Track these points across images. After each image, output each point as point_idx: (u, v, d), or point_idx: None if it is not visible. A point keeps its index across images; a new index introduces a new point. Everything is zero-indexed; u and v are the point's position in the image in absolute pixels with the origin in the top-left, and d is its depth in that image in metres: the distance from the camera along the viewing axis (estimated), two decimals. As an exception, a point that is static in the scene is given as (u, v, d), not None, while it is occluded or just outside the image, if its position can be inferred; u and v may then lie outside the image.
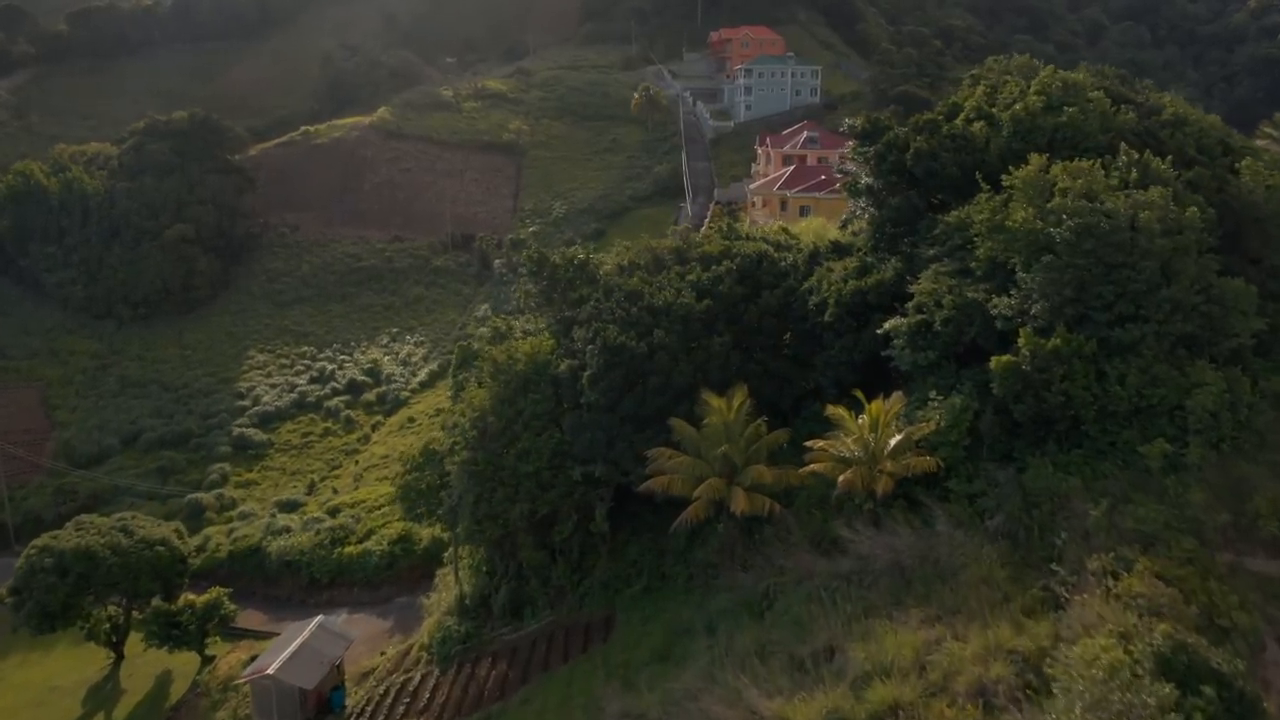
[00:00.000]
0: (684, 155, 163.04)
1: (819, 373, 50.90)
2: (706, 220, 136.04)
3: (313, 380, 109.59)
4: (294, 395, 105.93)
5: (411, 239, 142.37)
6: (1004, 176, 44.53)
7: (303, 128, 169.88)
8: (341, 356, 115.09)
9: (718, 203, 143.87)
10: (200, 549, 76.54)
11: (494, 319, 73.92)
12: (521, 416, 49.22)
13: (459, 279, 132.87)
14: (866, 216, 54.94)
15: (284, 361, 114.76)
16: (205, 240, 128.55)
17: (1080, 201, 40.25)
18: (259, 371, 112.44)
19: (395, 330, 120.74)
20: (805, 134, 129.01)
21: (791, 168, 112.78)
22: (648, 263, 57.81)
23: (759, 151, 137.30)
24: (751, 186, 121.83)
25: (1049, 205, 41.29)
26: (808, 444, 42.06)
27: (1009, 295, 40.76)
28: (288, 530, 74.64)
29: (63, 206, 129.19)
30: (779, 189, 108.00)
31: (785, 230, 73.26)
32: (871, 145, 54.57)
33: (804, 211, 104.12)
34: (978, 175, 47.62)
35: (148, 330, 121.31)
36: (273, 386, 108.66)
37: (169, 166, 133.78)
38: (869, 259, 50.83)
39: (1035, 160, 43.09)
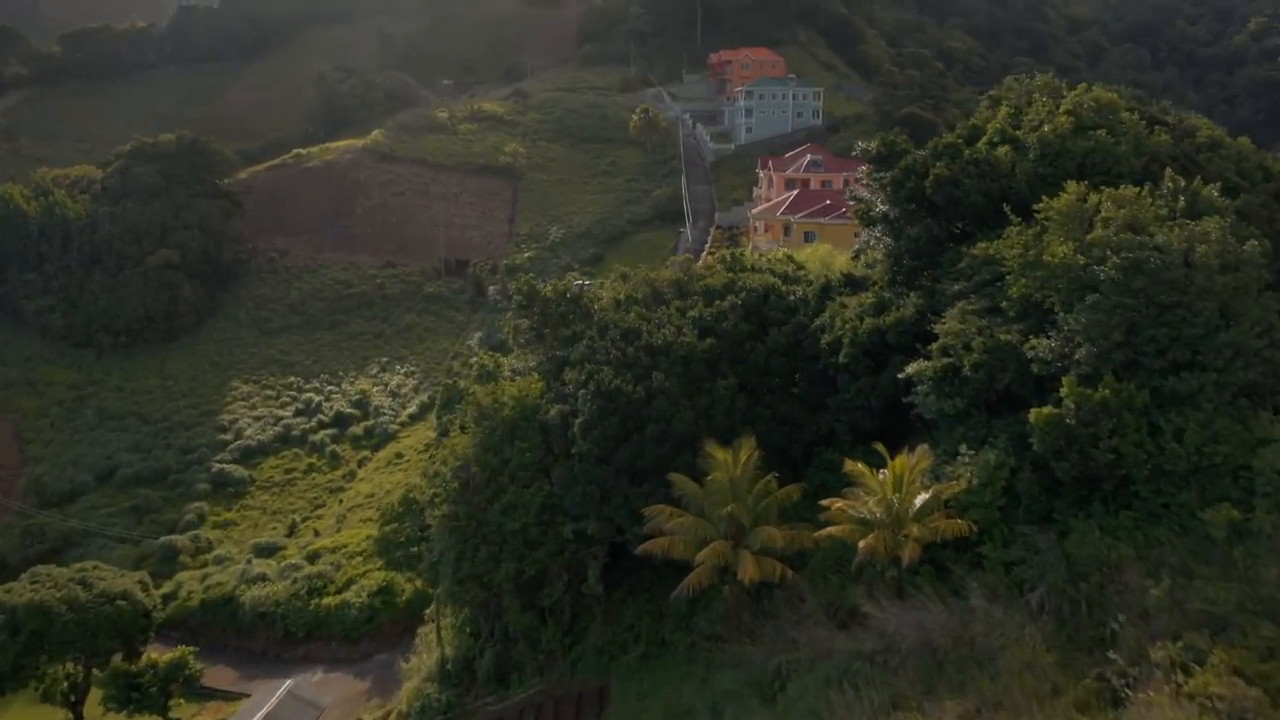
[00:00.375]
0: (684, 178, 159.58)
1: (832, 417, 46.76)
2: (707, 245, 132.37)
3: (298, 412, 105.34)
4: (278, 428, 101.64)
5: (404, 264, 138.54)
6: (1037, 205, 40.51)
7: (294, 150, 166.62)
8: (329, 387, 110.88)
9: (718, 227, 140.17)
10: (171, 596, 72.05)
11: (481, 355, 69.95)
12: (508, 467, 44.95)
13: (452, 306, 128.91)
14: (882, 247, 50.86)
15: (269, 392, 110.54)
16: (190, 266, 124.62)
17: (1126, 234, 36.18)
18: (243, 403, 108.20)
19: (385, 359, 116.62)
20: (808, 157, 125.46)
21: (795, 192, 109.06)
22: (645, 296, 53.67)
23: (761, 175, 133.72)
24: (753, 211, 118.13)
25: (1089, 238, 37.27)
26: (823, 503, 37.79)
27: (1048, 338, 36.60)
28: (263, 578, 70.14)
29: (43, 232, 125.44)
30: (782, 214, 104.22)
31: (791, 259, 69.37)
32: (887, 170, 50.56)
33: (808, 237, 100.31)
34: (1005, 206, 43.66)
35: (128, 360, 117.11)
36: (256, 419, 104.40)
37: (155, 190, 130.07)
38: (886, 294, 46.69)
39: (1072, 188, 39.04)
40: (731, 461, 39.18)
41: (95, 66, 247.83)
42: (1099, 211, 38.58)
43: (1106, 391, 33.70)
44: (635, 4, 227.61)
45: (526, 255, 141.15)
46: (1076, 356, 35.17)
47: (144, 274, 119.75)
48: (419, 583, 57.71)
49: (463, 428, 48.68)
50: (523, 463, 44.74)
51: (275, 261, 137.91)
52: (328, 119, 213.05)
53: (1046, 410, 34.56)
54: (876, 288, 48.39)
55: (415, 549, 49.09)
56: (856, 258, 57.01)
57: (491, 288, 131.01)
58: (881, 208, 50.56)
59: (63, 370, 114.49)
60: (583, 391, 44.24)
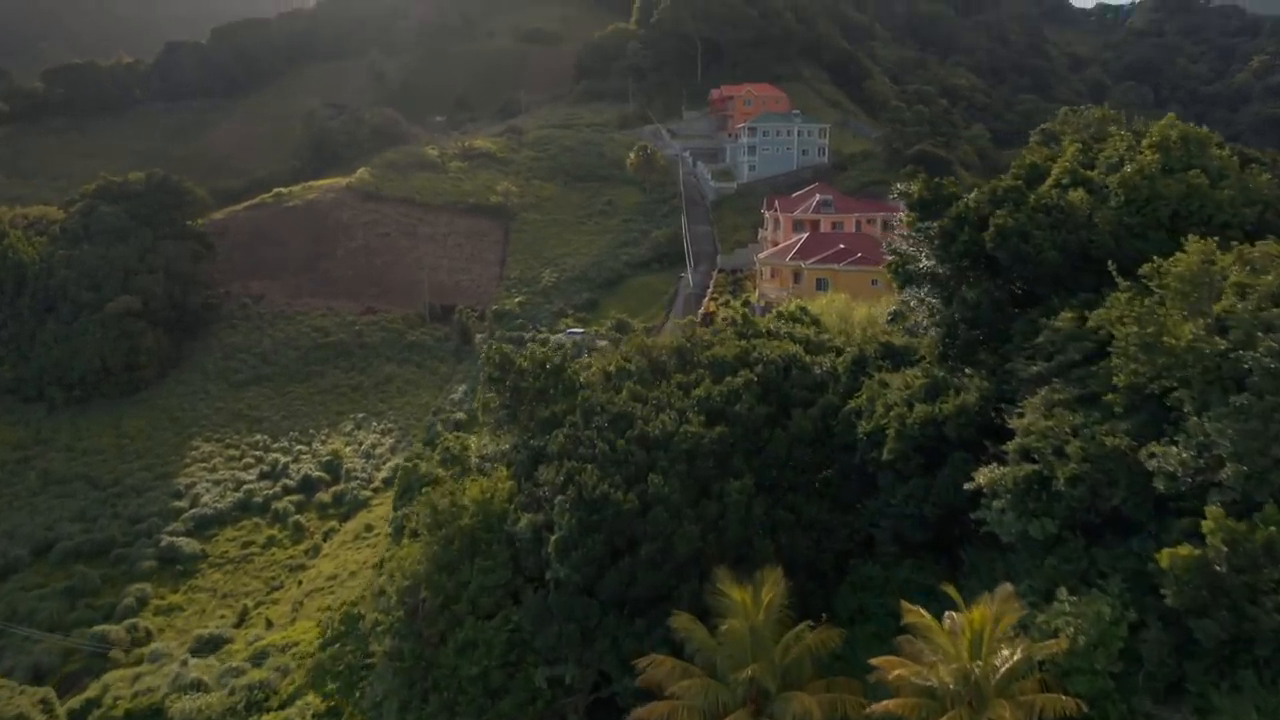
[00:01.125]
0: (684, 219, 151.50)
1: (869, 520, 37.64)
2: (709, 291, 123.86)
3: (262, 475, 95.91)
4: (239, 494, 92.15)
5: (386, 311, 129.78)
6: (1144, 266, 31.68)
7: (275, 189, 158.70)
8: (299, 446, 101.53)
9: (721, 271, 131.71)
10: (95, 703, 62.21)
11: (445, 437, 60.54)
12: (466, 591, 35.71)
13: (436, 356, 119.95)
14: (927, 311, 41.92)
15: (233, 452, 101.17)
16: (154, 313, 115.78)
17: (1274, 309, 27.30)
18: (203, 465, 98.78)
19: (361, 415, 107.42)
20: (817, 197, 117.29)
21: (805, 235, 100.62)
22: (641, 369, 44.58)
23: (767, 216, 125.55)
24: (760, 255, 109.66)
25: (1218, 309, 28.42)
26: (875, 662, 28.47)
27: (1173, 443, 27.57)
28: (199, 685, 60.37)
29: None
30: (792, 259, 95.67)
31: (809, 316, 60.68)
32: (933, 218, 41.85)
33: (821, 285, 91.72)
34: (1086, 262, 34.86)
35: (82, 415, 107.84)
36: (216, 483, 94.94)
37: (120, 232, 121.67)
38: (939, 373, 37.66)
39: (1196, 246, 30.15)
40: (751, 603, 29.92)
41: (79, 103, 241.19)
42: (1226, 276, 29.74)
43: (1271, 529, 24.58)
44: (633, 39, 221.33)
45: (517, 300, 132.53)
46: (1221, 477, 26.07)
47: (102, 322, 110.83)
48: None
49: (414, 534, 39.33)
50: (485, 586, 35.54)
51: (249, 307, 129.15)
52: (316, 156, 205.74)
53: (1184, 552, 25.40)
54: (925, 363, 39.37)
55: (358, 681, 39.47)
56: (894, 321, 47.99)
57: (479, 336, 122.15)
58: (926, 263, 41.74)
59: (8, 428, 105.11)
60: (561, 498, 35.12)
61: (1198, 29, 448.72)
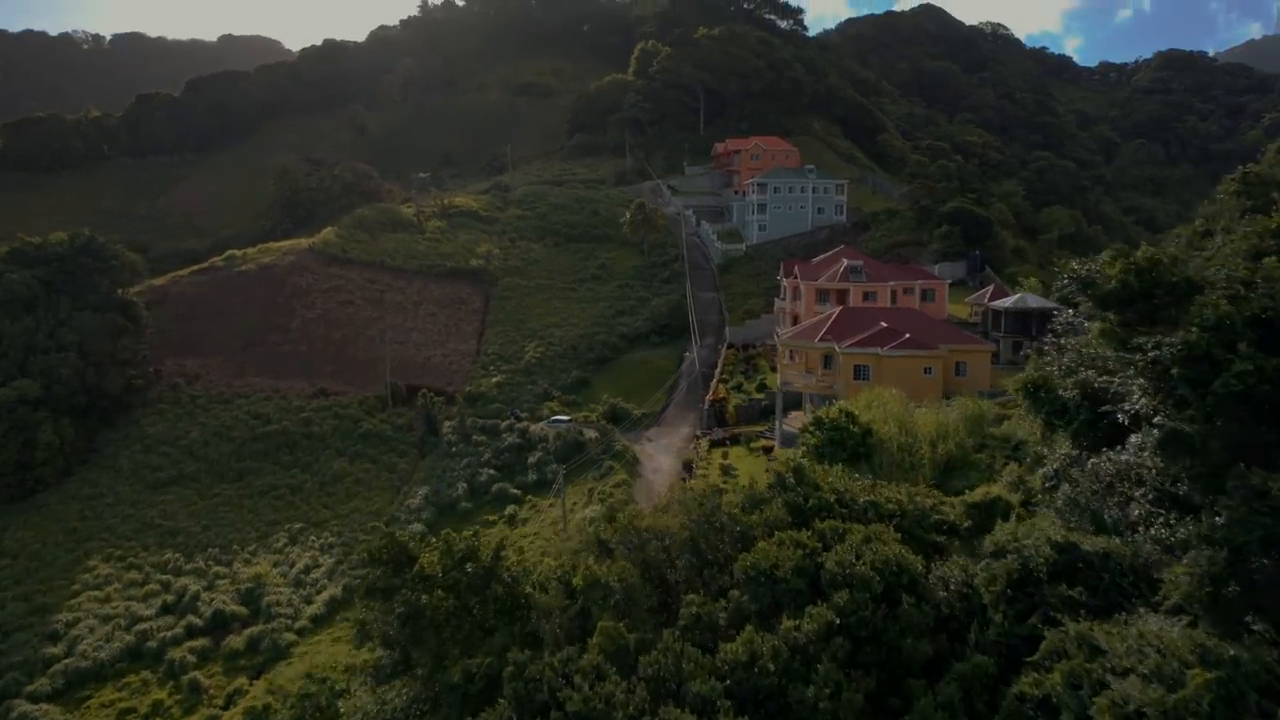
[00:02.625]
0: (687, 285, 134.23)
1: None
2: (718, 371, 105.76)
3: (165, 609, 76.75)
4: (130, 637, 72.87)
5: (341, 393, 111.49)
6: None
7: (228, 251, 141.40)
8: (216, 569, 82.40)
9: (731, 346, 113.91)
10: None
11: (311, 687, 41.72)
12: None
13: (395, 449, 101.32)
14: (1149, 497, 23.34)
15: (134, 575, 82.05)
16: (59, 400, 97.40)
17: None
18: (94, 594, 79.57)
19: (299, 526, 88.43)
20: (845, 263, 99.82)
21: (836, 311, 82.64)
22: (629, 583, 25.81)
23: (784, 284, 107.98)
24: (781, 333, 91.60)
25: None
26: None
27: None
28: None
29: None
30: (823, 339, 77.60)
31: (854, 420, 42.51)
32: (1141, 329, 23.59)
33: (861, 374, 73.64)
34: None
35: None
36: (105, 620, 75.69)
37: (28, 302, 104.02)
38: (1224, 649, 19.05)
39: None
40: None
41: (41, 158, 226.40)
42: None
43: None
44: (631, 90, 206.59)
45: (494, 380, 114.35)
46: None
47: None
48: None
49: None
50: None
51: (180, 389, 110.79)
52: (288, 215, 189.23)
53: None
54: (1182, 613, 20.72)
55: None
56: (1052, 487, 29.41)
57: (447, 424, 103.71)
58: (1138, 404, 23.32)
59: None
60: None
61: (1205, 86, 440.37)
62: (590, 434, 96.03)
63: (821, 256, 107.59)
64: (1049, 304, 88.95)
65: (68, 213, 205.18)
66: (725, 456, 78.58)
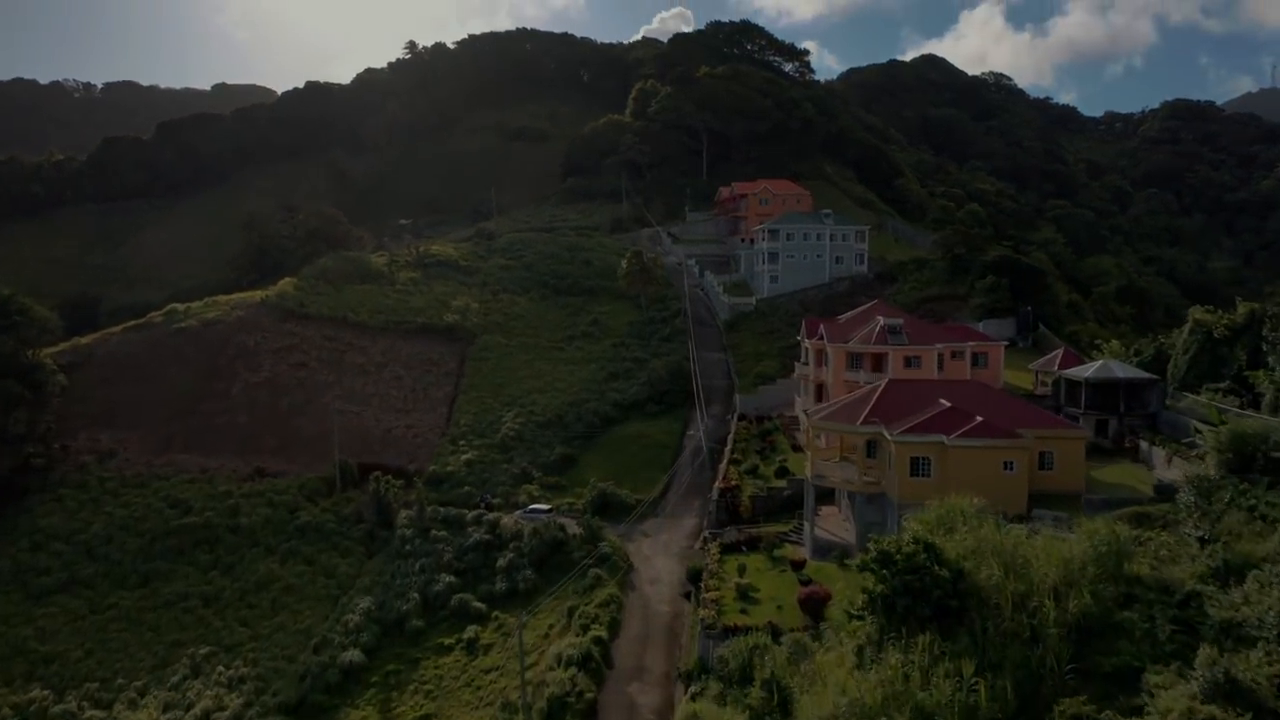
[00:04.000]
0: (691, 344, 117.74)
1: None
2: (728, 449, 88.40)
3: (11, 775, 58.69)
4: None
5: (281, 473, 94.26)
6: None
7: (169, 306, 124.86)
8: (90, 713, 64.38)
9: (744, 418, 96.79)
10: None
11: None
12: None
13: (338, 545, 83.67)
14: None
15: (-14, 722, 63.98)
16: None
17: None
18: (-76, 750, 61.61)
19: (206, 650, 70.61)
20: (881, 322, 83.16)
21: (882, 384, 65.54)
22: None
23: (806, 346, 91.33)
24: (808, 409, 74.34)
25: None
26: None
27: None
28: None
29: None
30: (866, 423, 60.44)
31: (940, 561, 25.29)
32: None
33: (918, 469, 56.52)
34: None
35: None
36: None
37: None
38: None
39: None
40: None
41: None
42: None
43: None
44: (629, 131, 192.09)
45: (464, 458, 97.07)
46: None
47: None
48: None
49: None
50: None
51: (89, 470, 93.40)
52: (256, 265, 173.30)
53: None
54: None
55: None
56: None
57: (403, 513, 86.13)
58: None
59: None
60: None
61: (1214, 136, 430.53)
62: (574, 529, 78.57)
63: (851, 313, 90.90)
64: (1138, 373, 72.09)
65: (18, 263, 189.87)
66: (742, 572, 61.06)
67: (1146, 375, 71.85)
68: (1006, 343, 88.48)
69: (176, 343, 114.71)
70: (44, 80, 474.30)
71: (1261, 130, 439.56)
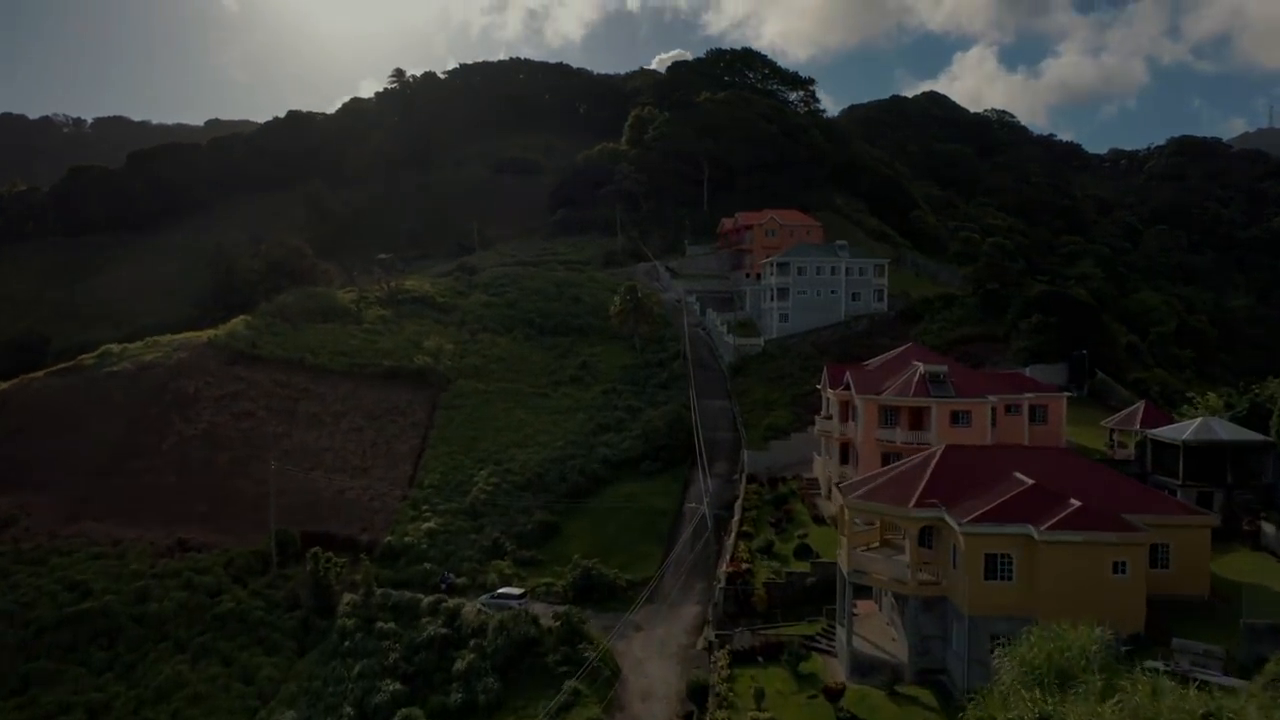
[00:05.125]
0: (691, 391, 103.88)
1: None
2: (737, 519, 74.22)
3: None
4: None
5: (209, 546, 79.85)
6: None
7: (103, 347, 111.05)
8: None
9: (753, 480, 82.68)
10: None
11: None
12: None
13: (265, 640, 69.04)
14: None
15: None
16: None
17: None
18: None
19: (81, 784, 55.57)
20: (920, 368, 69.26)
21: (938, 451, 51.36)
22: None
23: (828, 397, 77.40)
24: (845, 487, 59.86)
25: None
26: None
27: None
28: None
29: None
30: (921, 507, 46.28)
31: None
32: None
33: (996, 569, 42.51)
34: None
35: None
36: None
37: None
38: None
39: None
40: None
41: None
42: None
43: None
44: (624, 159, 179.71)
45: (426, 527, 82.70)
46: None
47: None
48: None
49: None
50: None
51: (-21, 542, 78.89)
52: (221, 301, 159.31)
53: None
54: None
55: None
56: None
57: (348, 597, 71.59)
58: None
59: None
60: None
61: (1222, 173, 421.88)
62: (549, 621, 64.11)
63: (881, 359, 77.00)
64: (1247, 435, 58.02)
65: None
66: (759, 700, 46.76)
67: (1257, 437, 57.83)
68: (1070, 394, 74.36)
69: (107, 389, 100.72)
70: (33, 115, 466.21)
71: (1270, 166, 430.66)
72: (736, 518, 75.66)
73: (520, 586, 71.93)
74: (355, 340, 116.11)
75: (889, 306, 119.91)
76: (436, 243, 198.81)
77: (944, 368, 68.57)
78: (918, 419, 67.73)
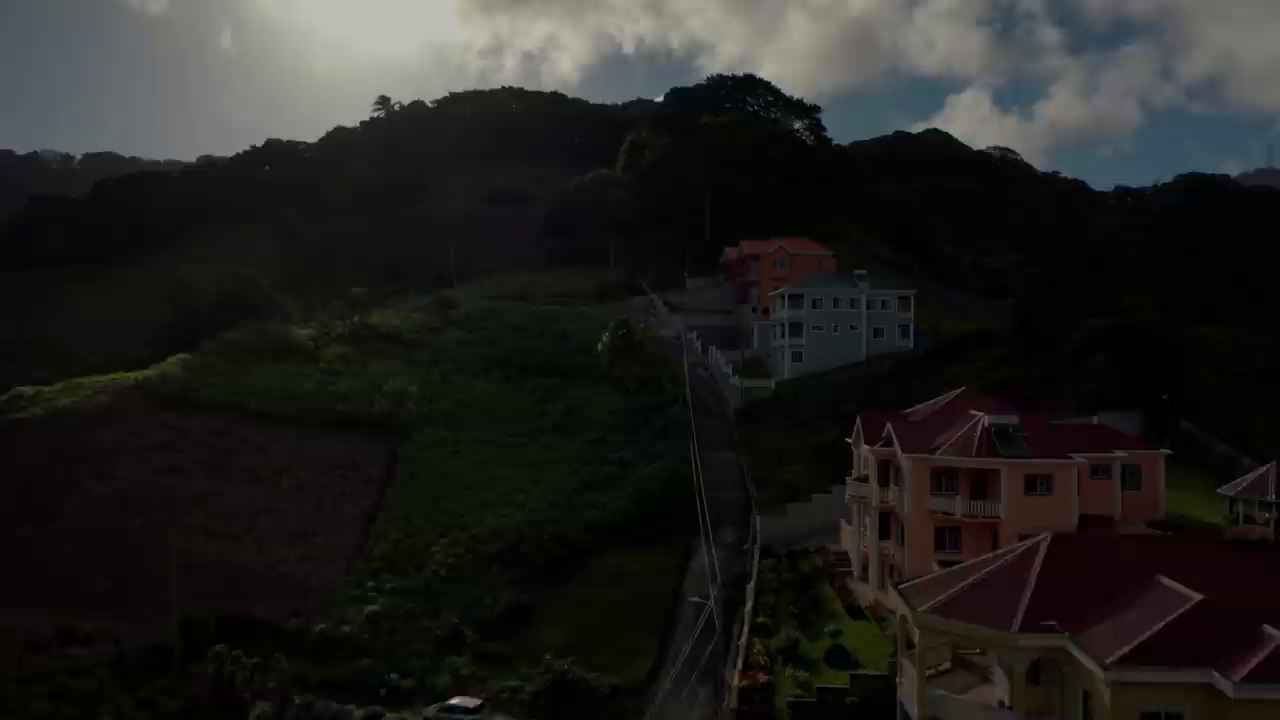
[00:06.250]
0: (692, 441, 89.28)
1: None
2: (748, 608, 59.49)
3: None
4: None
5: (97, 638, 64.79)
6: None
7: (14, 390, 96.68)
8: None
9: (768, 551, 68.06)
10: None
11: None
12: None
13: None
14: None
15: None
16: None
17: None
18: None
19: None
20: (981, 419, 54.71)
21: (1040, 544, 36.58)
22: None
23: (862, 454, 62.73)
24: (912, 593, 44.88)
25: None
26: None
27: None
28: None
29: None
30: (1029, 627, 31.41)
31: None
32: None
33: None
34: None
35: None
36: None
37: None
38: None
39: None
40: None
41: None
42: None
43: None
44: (619, 186, 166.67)
45: (368, 610, 67.71)
46: None
47: None
48: None
49: None
50: None
51: None
52: (178, 338, 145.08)
53: None
54: None
55: None
56: None
57: (260, 708, 56.30)
58: None
59: None
60: None
61: (1232, 209, 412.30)
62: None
63: (928, 407, 62.55)
64: None
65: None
66: None
67: None
68: (1168, 453, 59.71)
69: (6, 440, 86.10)
70: (21, 151, 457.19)
71: (1278, 203, 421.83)
72: (750, 605, 60.90)
73: (478, 695, 56.92)
74: (309, 382, 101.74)
75: (916, 343, 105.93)
76: (420, 276, 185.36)
77: (1014, 419, 54.10)
78: (981, 485, 53.16)
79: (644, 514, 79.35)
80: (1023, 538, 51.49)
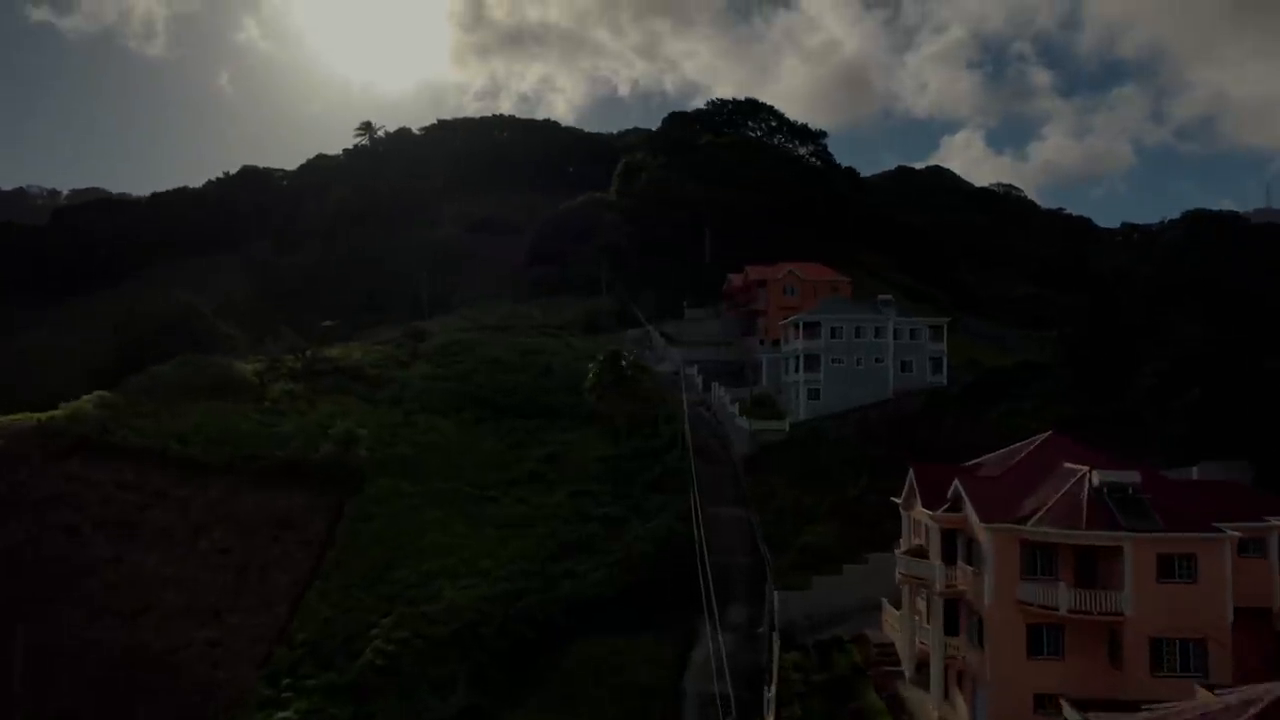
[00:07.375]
0: (694, 494, 74.64)
1: None
2: (770, 705, 44.61)
3: None
4: None
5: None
6: None
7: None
8: None
9: (789, 638, 53.59)
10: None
11: None
12: None
13: None
14: None
15: None
16: None
17: None
18: None
19: None
20: (1085, 476, 40.38)
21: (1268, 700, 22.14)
22: None
23: (917, 519, 48.18)
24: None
25: None
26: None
27: None
28: None
29: None
30: None
31: None
32: None
33: None
34: None
35: None
36: None
37: None
38: None
39: None
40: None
41: None
42: None
43: None
44: (612, 209, 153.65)
45: (280, 718, 52.74)
46: None
47: None
48: None
49: None
50: None
51: None
52: (127, 373, 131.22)
53: None
54: None
55: None
56: None
57: None
58: None
59: None
60: None
61: (1241, 245, 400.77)
62: None
63: (1000, 457, 48.08)
64: None
65: None
66: None
67: None
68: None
69: None
70: (8, 186, 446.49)
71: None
72: (770, 695, 46.30)
73: None
74: (247, 424, 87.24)
75: (949, 378, 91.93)
76: (400, 308, 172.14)
77: (1134, 475, 39.80)
78: (1089, 567, 38.80)
79: (635, 584, 64.91)
80: (1153, 641, 37.50)
